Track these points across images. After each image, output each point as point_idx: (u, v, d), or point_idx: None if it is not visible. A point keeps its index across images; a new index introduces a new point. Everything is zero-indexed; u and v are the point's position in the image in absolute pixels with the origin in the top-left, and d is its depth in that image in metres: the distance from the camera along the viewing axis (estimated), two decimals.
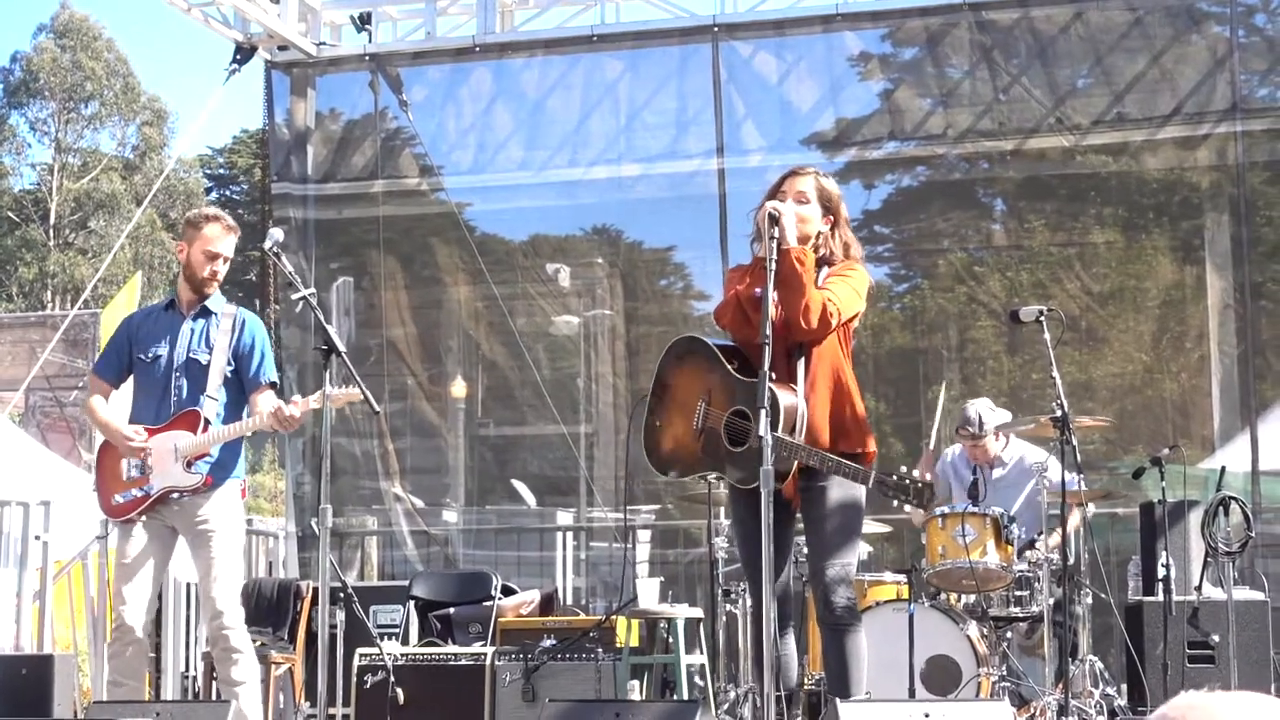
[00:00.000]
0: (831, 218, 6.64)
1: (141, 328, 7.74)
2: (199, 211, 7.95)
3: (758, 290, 6.32)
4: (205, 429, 7.50)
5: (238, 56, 13.13)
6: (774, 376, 6.01)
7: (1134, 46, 12.06)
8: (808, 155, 12.43)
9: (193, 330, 7.63)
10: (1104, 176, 12.38)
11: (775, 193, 6.60)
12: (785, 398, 6.25)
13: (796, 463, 6.32)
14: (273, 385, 7.74)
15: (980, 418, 9.60)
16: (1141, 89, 12.02)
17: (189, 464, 7.47)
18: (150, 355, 7.62)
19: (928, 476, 6.17)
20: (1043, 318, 8.15)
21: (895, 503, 6.17)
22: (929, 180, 12.88)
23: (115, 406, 7.75)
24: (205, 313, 7.68)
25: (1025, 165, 12.40)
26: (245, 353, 7.65)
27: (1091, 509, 9.11)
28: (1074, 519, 8.80)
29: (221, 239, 7.66)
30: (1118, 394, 12.11)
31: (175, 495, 7.48)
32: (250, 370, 7.65)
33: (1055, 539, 8.75)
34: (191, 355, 7.58)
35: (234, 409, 7.65)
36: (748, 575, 6.71)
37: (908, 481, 6.08)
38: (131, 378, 7.78)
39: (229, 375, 7.62)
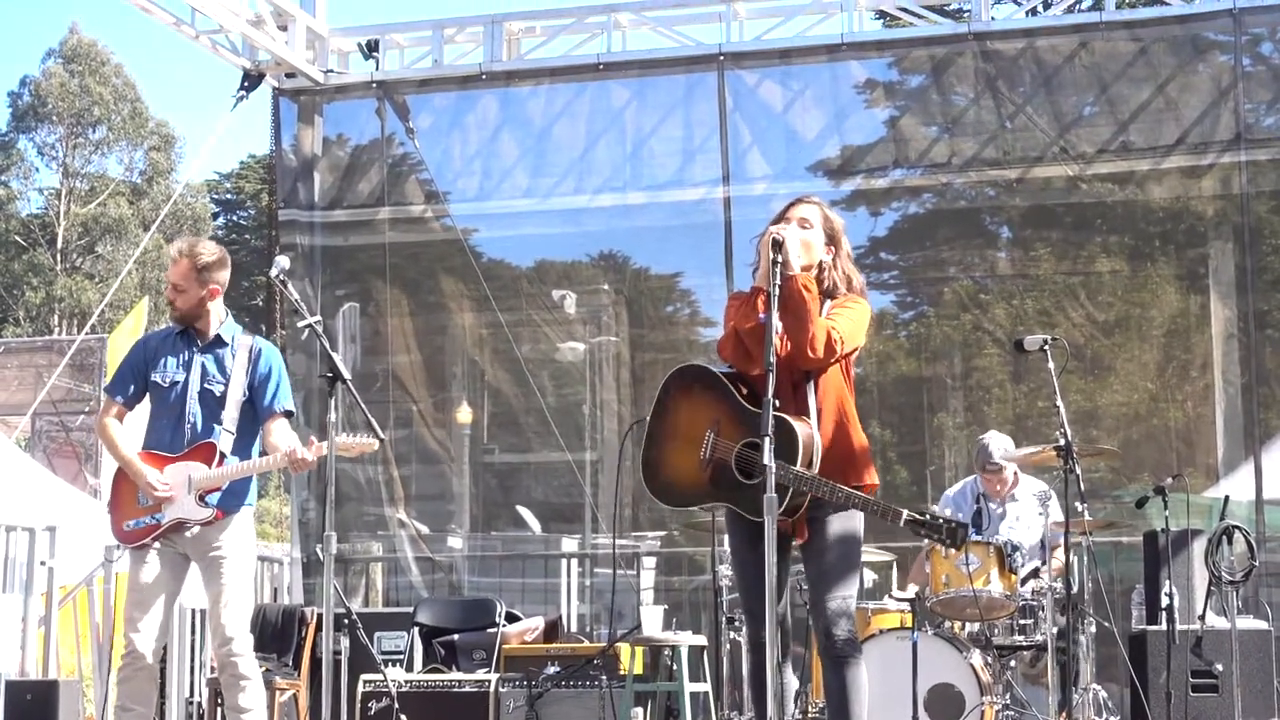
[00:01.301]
0: (833, 248, 6.62)
1: (159, 351, 7.71)
2: None
3: (763, 316, 6.30)
4: (220, 462, 7.51)
5: (245, 83, 13.19)
6: (778, 405, 5.98)
7: (1139, 76, 12.10)
8: (813, 183, 12.47)
9: (205, 362, 7.63)
10: (1109, 205, 12.41)
11: (780, 220, 6.58)
12: (801, 429, 6.18)
13: (808, 500, 6.28)
14: (288, 414, 7.74)
15: (1004, 450, 9.59)
16: (1146, 118, 12.06)
17: (201, 497, 7.48)
18: (167, 380, 7.61)
19: (960, 515, 6.14)
20: (1047, 347, 8.17)
21: (927, 542, 6.15)
22: (934, 208, 12.92)
23: (129, 434, 7.73)
24: (219, 343, 7.68)
25: (1030, 194, 12.44)
26: (260, 382, 7.65)
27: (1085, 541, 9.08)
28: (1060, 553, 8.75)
29: (172, 267, 7.73)
30: (1122, 423, 12.13)
31: (187, 525, 7.50)
32: (265, 399, 7.65)
33: (1057, 563, 8.75)
34: (206, 386, 7.59)
35: (247, 437, 7.65)
36: (745, 606, 6.66)
37: (941, 521, 6.06)
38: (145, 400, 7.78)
39: (244, 406, 7.64)
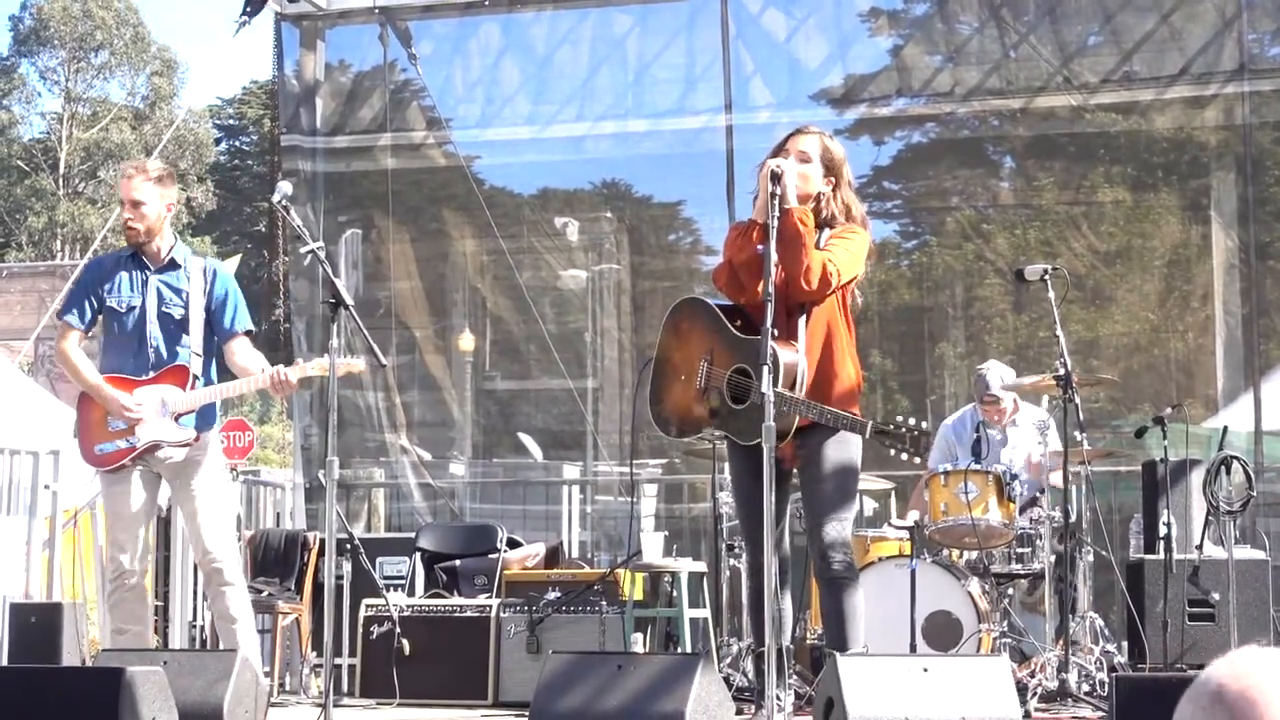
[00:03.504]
0: (833, 179, 6.64)
1: (112, 273, 7.63)
2: None
3: (760, 248, 6.34)
4: (193, 385, 7.51)
5: (248, 8, 13.10)
6: (775, 334, 6.04)
7: (1143, 5, 12.05)
8: (816, 111, 12.44)
9: (160, 285, 7.58)
10: (1112, 135, 12.38)
11: (779, 151, 6.60)
12: (786, 355, 6.29)
13: (796, 423, 6.35)
14: (249, 333, 7.72)
15: (1001, 380, 9.62)
16: (1150, 48, 12.01)
17: (176, 419, 7.50)
18: (123, 305, 7.55)
19: (924, 425, 6.17)
20: (1048, 276, 8.17)
21: (893, 452, 6.19)
22: (938, 137, 12.89)
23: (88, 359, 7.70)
24: (173, 265, 7.62)
25: (1033, 123, 12.41)
26: (218, 304, 7.61)
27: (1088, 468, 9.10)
28: (1057, 476, 8.76)
29: (125, 185, 7.62)
30: (1123, 353, 12.15)
31: (162, 446, 7.51)
32: (225, 320, 7.61)
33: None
34: (164, 309, 7.55)
35: (208, 359, 7.64)
36: (744, 533, 6.75)
37: (904, 430, 6.11)
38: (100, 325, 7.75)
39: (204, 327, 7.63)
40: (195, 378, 7.53)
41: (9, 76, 50.93)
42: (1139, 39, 12.02)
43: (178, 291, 7.59)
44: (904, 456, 6.15)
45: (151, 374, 7.51)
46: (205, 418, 7.61)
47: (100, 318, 7.67)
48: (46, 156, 50.16)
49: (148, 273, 7.61)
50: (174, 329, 7.56)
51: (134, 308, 7.56)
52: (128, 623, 7.53)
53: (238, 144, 54.71)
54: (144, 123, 50.32)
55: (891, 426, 6.14)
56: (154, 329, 7.54)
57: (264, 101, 46.93)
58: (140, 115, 50.94)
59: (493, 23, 13.35)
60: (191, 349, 7.55)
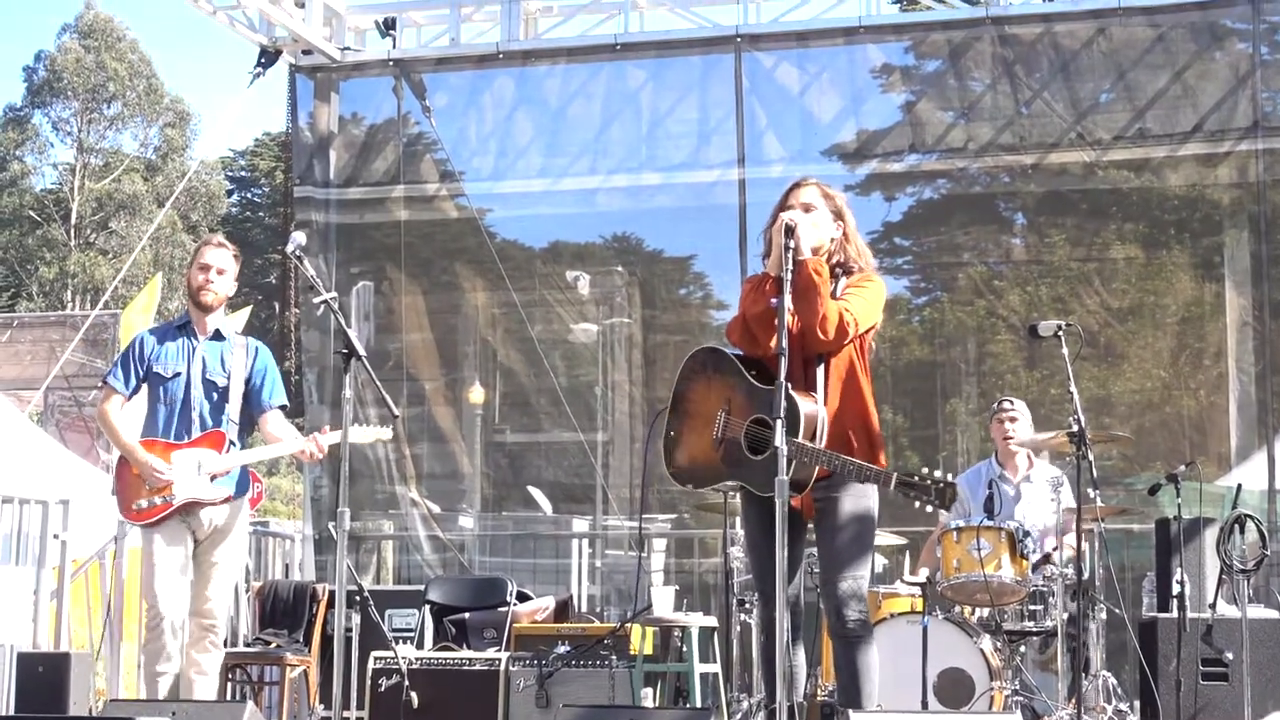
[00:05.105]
0: (841, 223, 6.70)
1: (160, 344, 8.04)
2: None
3: (774, 301, 6.34)
4: (228, 450, 7.88)
5: (262, 60, 13.19)
6: (790, 386, 6.03)
7: (1156, 63, 12.07)
8: (828, 167, 12.46)
9: (208, 353, 8.00)
10: (1125, 192, 12.38)
11: (783, 206, 6.64)
12: (805, 405, 6.28)
13: (815, 474, 6.32)
14: (282, 408, 8.16)
15: (1013, 403, 9.63)
16: (1163, 105, 12.03)
17: (212, 478, 7.84)
18: (169, 371, 7.95)
19: (950, 476, 6.15)
20: (1061, 333, 8.16)
21: (917, 504, 6.16)
22: (949, 193, 12.89)
23: (130, 421, 8.00)
24: (219, 337, 8.05)
25: (1046, 180, 12.41)
26: (259, 378, 8.06)
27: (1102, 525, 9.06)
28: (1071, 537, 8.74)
29: (210, 252, 8.06)
30: (1135, 410, 12.11)
31: (201, 505, 7.84)
32: (266, 394, 8.07)
33: (1069, 551, 8.74)
34: (208, 376, 7.96)
35: (243, 428, 8.08)
36: (758, 586, 6.72)
37: (929, 482, 6.09)
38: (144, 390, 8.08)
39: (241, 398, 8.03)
40: (231, 443, 7.92)
41: (22, 127, 51.04)
42: (1152, 96, 12.03)
43: (221, 362, 8.00)
44: (929, 509, 6.12)
45: (193, 437, 7.89)
46: (240, 485, 7.97)
47: (144, 385, 8.03)
48: (58, 207, 50.23)
49: (195, 341, 8.01)
50: (217, 398, 7.97)
51: (179, 373, 7.96)
52: (162, 665, 7.80)
53: (249, 196, 54.87)
54: (156, 174, 50.41)
55: (916, 478, 6.11)
56: (198, 394, 7.95)
57: (275, 154, 47.15)
58: (152, 166, 51.02)
59: (507, 76, 13.39)
60: (229, 416, 7.95)
